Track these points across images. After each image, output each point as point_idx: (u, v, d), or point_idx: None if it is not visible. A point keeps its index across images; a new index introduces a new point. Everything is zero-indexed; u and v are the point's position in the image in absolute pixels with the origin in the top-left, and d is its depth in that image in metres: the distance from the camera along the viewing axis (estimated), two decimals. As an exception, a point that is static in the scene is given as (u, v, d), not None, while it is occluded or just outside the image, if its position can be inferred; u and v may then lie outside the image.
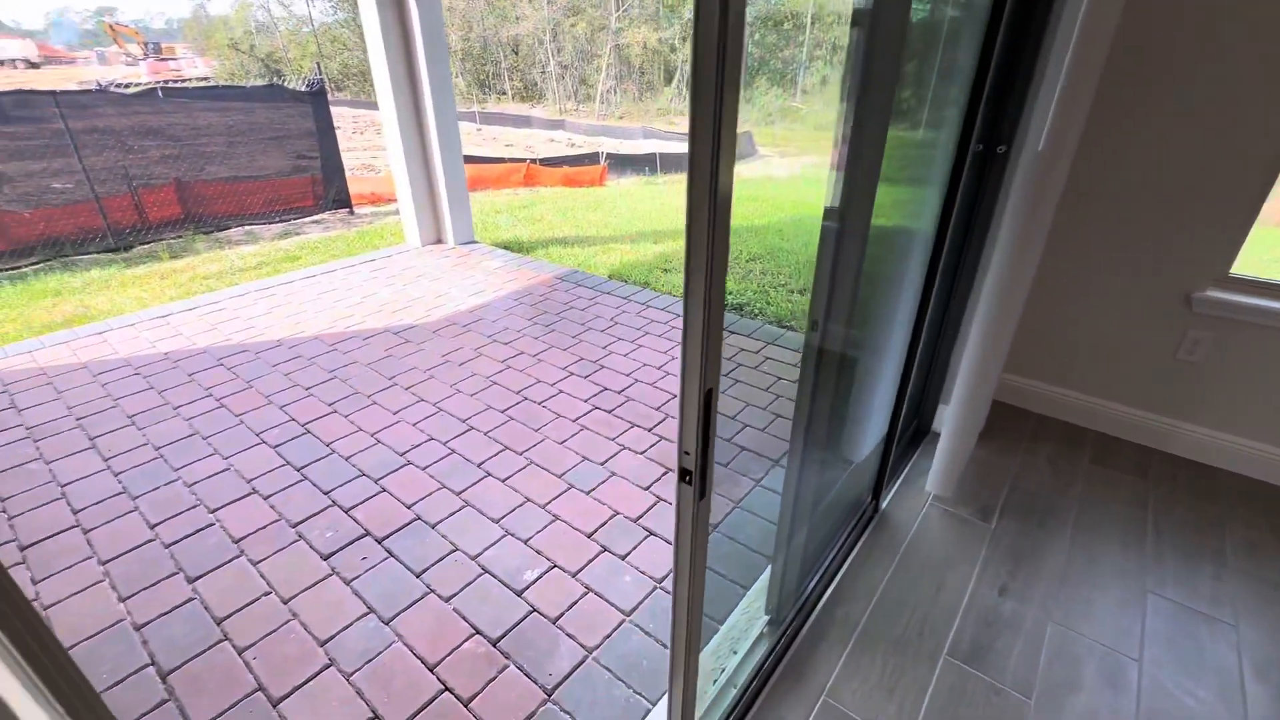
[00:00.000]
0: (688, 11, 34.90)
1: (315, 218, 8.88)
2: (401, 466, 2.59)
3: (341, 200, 9.05)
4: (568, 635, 1.83)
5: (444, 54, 4.91)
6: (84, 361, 3.45)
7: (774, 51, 40.53)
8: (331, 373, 3.34)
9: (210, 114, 8.52)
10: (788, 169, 19.16)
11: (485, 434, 2.81)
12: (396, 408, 3.01)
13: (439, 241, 5.58)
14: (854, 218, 1.35)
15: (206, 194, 8.10)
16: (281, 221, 8.54)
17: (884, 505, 2.28)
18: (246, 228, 8.27)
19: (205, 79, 41.79)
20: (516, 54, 44.11)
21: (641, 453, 2.67)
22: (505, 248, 5.63)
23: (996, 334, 2.00)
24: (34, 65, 56.34)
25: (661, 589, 2.00)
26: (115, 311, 4.71)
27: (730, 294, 4.55)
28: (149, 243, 7.57)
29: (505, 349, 3.60)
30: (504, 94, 43.97)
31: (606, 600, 1.95)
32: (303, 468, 2.58)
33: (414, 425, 2.87)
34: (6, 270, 6.64)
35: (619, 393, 3.14)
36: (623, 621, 1.88)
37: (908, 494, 2.34)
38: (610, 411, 2.97)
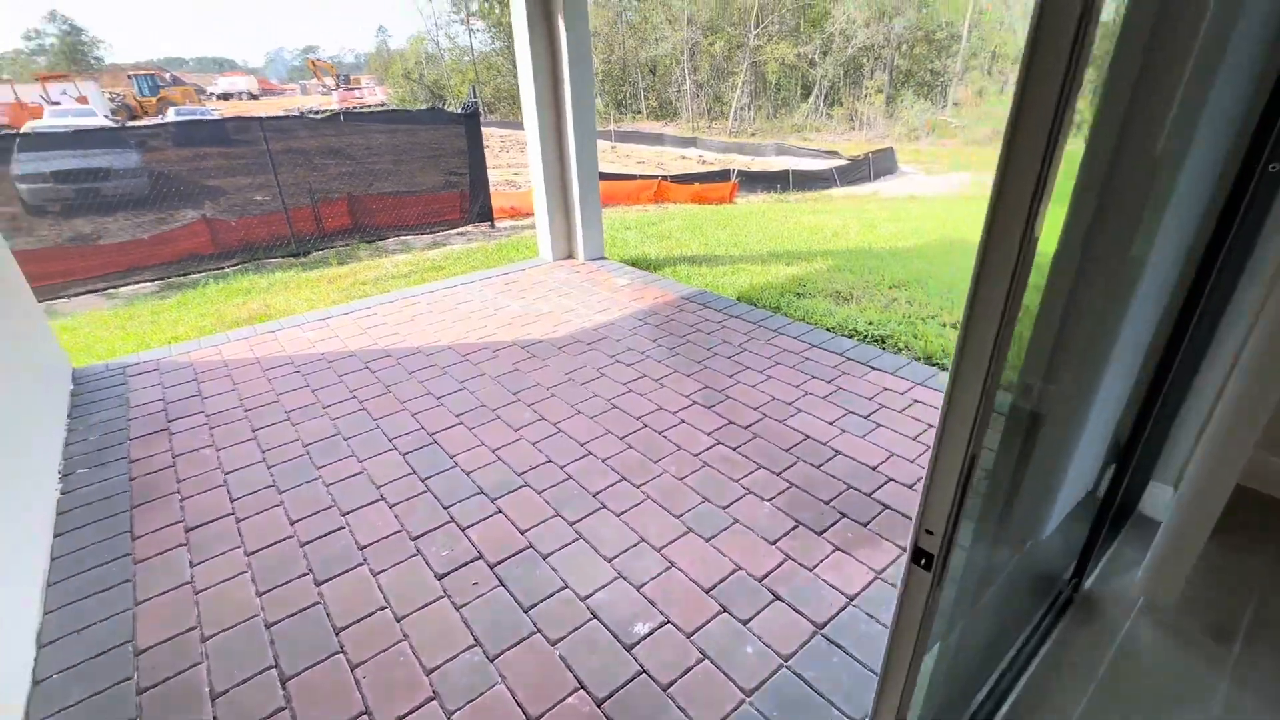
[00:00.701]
0: (832, 24, 33.90)
1: (461, 229, 9.52)
2: (519, 488, 2.54)
3: (484, 214, 9.63)
4: (679, 708, 1.63)
5: (589, 76, 5.00)
6: (258, 357, 3.83)
7: (922, 63, 38.17)
8: (461, 384, 3.42)
9: (381, 135, 9.45)
10: (934, 187, 17.71)
11: (603, 461, 2.70)
12: (518, 425, 3.00)
13: (570, 257, 5.67)
14: (1095, 262, 1.04)
15: (372, 207, 8.98)
16: (431, 233, 9.25)
17: (1074, 605, 1.85)
18: (402, 238, 9.04)
19: (382, 105, 47.34)
20: (654, 74, 45.32)
21: (769, 500, 2.42)
22: (633, 265, 5.60)
23: (1256, 402, 1.54)
24: (254, 96, 67.16)
25: (789, 668, 1.74)
26: (288, 311, 5.27)
27: (870, 324, 4.14)
28: (323, 249, 8.50)
29: (628, 370, 3.50)
30: (639, 113, 45.30)
31: (724, 672, 1.73)
32: (427, 479, 2.62)
33: (534, 445, 2.84)
34: (213, 270, 7.75)
35: (745, 428, 2.91)
36: (742, 702, 1.65)
37: (1109, 593, 1.88)
38: (735, 449, 2.75)
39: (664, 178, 14.52)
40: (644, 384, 3.35)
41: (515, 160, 22.74)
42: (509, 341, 3.95)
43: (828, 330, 4.03)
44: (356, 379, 3.51)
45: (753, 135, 36.21)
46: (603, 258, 5.66)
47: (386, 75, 59.01)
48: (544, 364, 3.62)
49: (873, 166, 18.93)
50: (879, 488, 2.47)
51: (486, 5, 45.95)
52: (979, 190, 17.77)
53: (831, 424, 2.92)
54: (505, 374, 3.52)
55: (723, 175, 15.95)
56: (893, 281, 5.10)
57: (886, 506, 2.37)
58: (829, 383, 3.30)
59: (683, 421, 2.98)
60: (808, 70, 38.16)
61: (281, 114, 12.13)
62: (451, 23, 50.61)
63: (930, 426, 2.87)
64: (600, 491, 2.50)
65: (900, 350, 3.79)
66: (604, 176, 13.47)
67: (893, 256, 6.05)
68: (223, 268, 7.82)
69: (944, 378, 3.34)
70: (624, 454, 2.75)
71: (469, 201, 9.55)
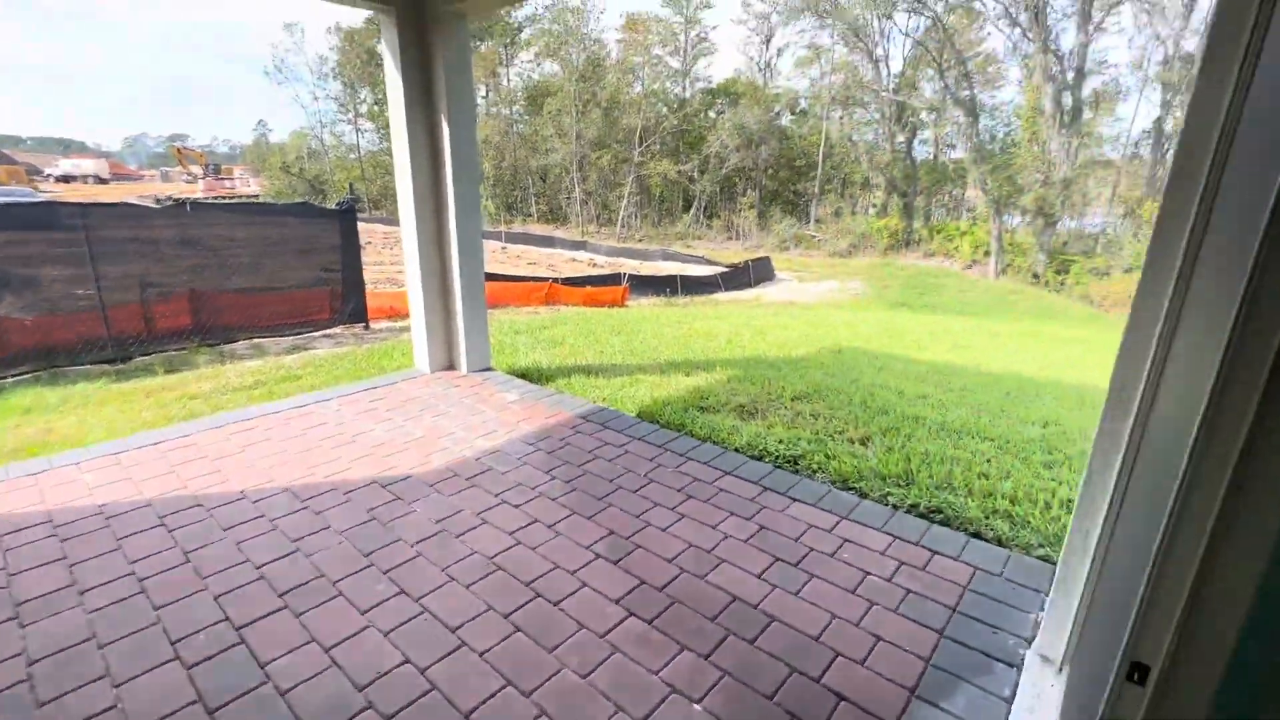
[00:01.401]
0: (708, 147, 37.50)
1: (329, 331, 8.58)
2: (360, 712, 1.81)
3: (358, 314, 8.80)
4: None
5: (475, 173, 4.69)
6: (1, 512, 2.79)
7: (786, 185, 43.10)
8: (295, 543, 2.64)
9: (246, 228, 8.51)
10: (808, 293, 19.24)
11: (481, 655, 2.04)
12: (367, 604, 2.28)
13: (451, 368, 5.07)
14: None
15: (221, 304, 7.86)
16: (293, 335, 8.22)
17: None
18: (255, 341, 7.93)
19: (254, 196, 44.95)
20: (544, 181, 47.28)
21: (699, 701, 1.88)
22: (524, 375, 5.10)
23: None
24: (103, 181, 61.38)
25: None
26: (76, 439, 4.13)
27: (781, 443, 3.89)
28: (150, 354, 7.20)
29: (516, 514, 2.91)
30: (530, 216, 46.54)
31: None
32: (218, 710, 1.81)
33: (386, 636, 2.12)
34: (-13, 381, 6.21)
35: (661, 589, 2.39)
36: None
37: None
38: (651, 622, 2.21)
39: (556, 280, 14.45)
40: (536, 532, 2.76)
41: (400, 256, 22.06)
42: (367, 479, 3.22)
43: (738, 452, 3.71)
44: (143, 543, 2.61)
45: (640, 241, 38.16)
46: (489, 368, 5.12)
47: (264, 167, 56.71)
48: (410, 509, 2.93)
49: (753, 273, 20.35)
50: (827, 668, 2.03)
51: (376, 108, 46.35)
52: (847, 297, 19.55)
53: (760, 577, 2.48)
54: (358, 526, 2.78)
55: (614, 279, 16.26)
56: (794, 393, 4.99)
57: (841, 698, 1.91)
58: (749, 520, 2.91)
59: (584, 585, 2.41)
60: (688, 185, 41.58)
61: (136, 200, 10.76)
62: (338, 121, 50.27)
63: (865, 573, 2.52)
64: (476, 709, 1.84)
65: (815, 473, 3.52)
66: (493, 277, 13.11)
67: (788, 366, 6.04)
68: (3, 377, 6.30)
69: (867, 508, 3.07)
70: (509, 641, 2.11)
71: (341, 300, 8.71)
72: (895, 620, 2.25)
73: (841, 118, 38.29)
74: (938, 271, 24.87)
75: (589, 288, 13.73)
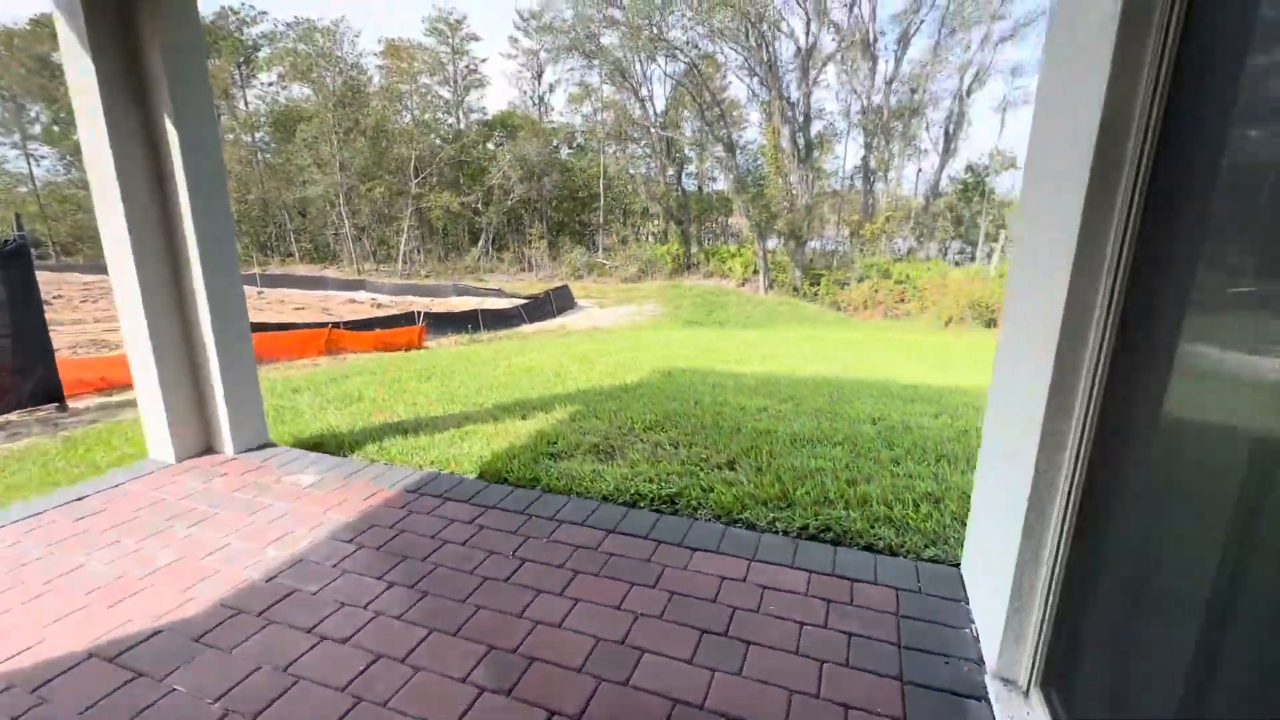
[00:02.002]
0: (490, 179, 36.79)
1: (1, 419, 6.14)
2: None
3: (47, 391, 6.47)
4: None
5: (219, 191, 3.58)
6: None
7: (571, 215, 44.17)
8: (-75, 820, 1.49)
9: None
10: (610, 318, 19.61)
11: None
12: None
13: (209, 450, 3.78)
14: None
15: None
16: (-72, 433, 5.69)
17: None
18: None
19: None
20: (305, 216, 41.87)
21: None
22: (318, 447, 4.02)
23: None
24: None
25: None
26: None
27: (651, 483, 3.51)
28: None
29: (347, 655, 2.06)
30: (290, 255, 40.81)
31: None
32: None
33: None
34: None
35: (577, 718, 1.80)
36: None
37: None
38: (582, 776, 1.61)
39: (337, 325, 12.54)
40: (383, 675, 1.96)
41: (110, 311, 17.29)
42: (82, 650, 2.06)
43: (609, 500, 3.24)
44: None
45: (426, 277, 35.79)
46: (268, 444, 3.94)
47: None
48: (166, 686, 1.91)
49: (555, 303, 20.14)
50: (810, 769, 1.64)
51: (58, 128, 36.89)
52: (646, 318, 20.35)
53: (692, 663, 2.03)
54: (64, 747, 1.70)
55: (407, 318, 14.67)
56: (645, 423, 4.67)
57: (842, 808, 1.53)
58: (655, 587, 2.44)
59: (474, 743, 1.72)
60: (473, 218, 40.26)
61: None
62: (-2, 145, 38.86)
63: (800, 625, 2.22)
64: None
65: (696, 510, 3.20)
66: (256, 327, 10.88)
67: (628, 394, 5.75)
68: None
69: (768, 543, 2.81)
70: None
71: (15, 375, 6.28)
72: (852, 677, 1.97)
73: (615, 152, 40.53)
74: (719, 290, 27.36)
75: (379, 330, 12.13)
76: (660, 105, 35.84)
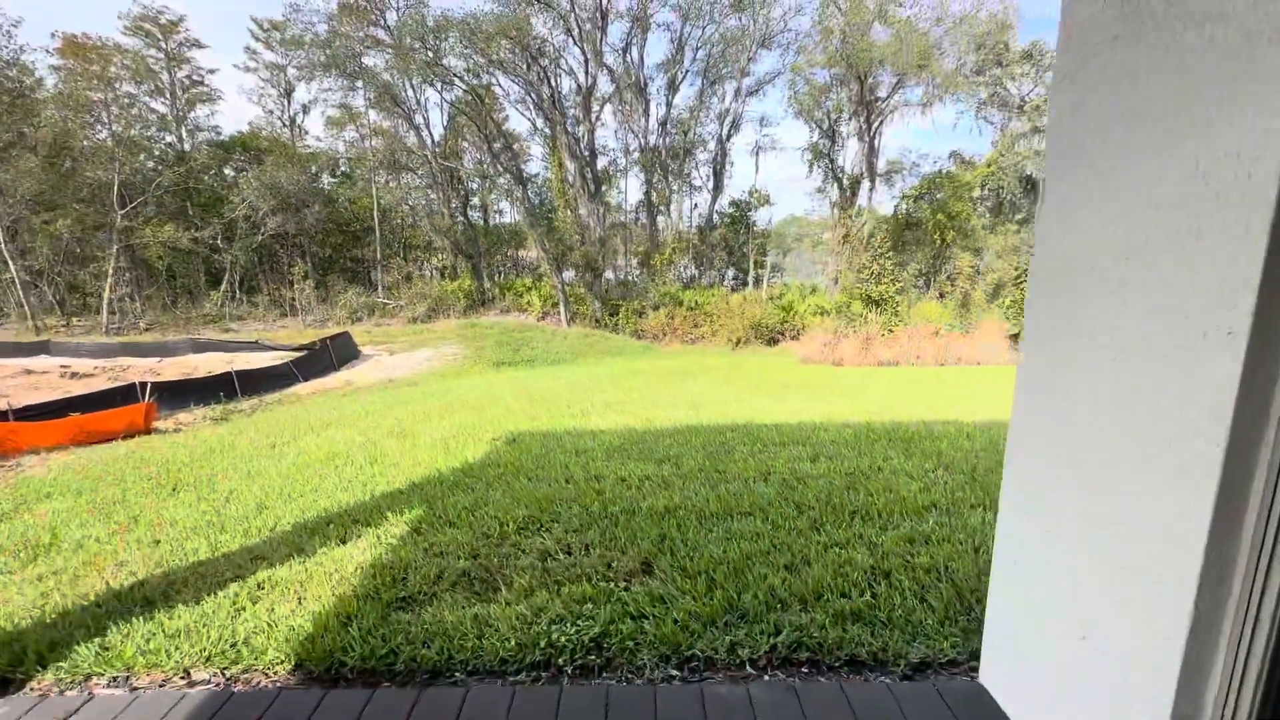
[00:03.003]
0: (233, 210, 31.04)
1: None
2: None
3: None
4: None
5: None
6: None
7: (341, 251, 39.33)
8: None
9: None
10: (408, 366, 17.26)
11: None
12: None
13: None
14: None
15: None
16: None
17: None
18: None
19: None
20: (-62, 258, 30.63)
21: None
22: (-30, 681, 2.31)
23: None
24: None
25: None
26: None
27: (563, 623, 2.62)
28: None
29: None
30: (-86, 313, 29.48)
31: None
32: None
33: None
34: None
35: None
36: None
37: None
38: None
39: (2, 414, 8.88)
40: None
41: None
42: None
43: (514, 669, 2.29)
44: None
45: (147, 331, 28.64)
46: None
47: None
48: None
49: (335, 354, 17.15)
50: None
51: None
52: (448, 363, 18.47)
53: None
54: None
55: (125, 392, 11.05)
56: (518, 523, 3.70)
57: None
58: None
59: None
60: (211, 255, 33.48)
61: None
62: None
63: None
64: None
65: (636, 653, 2.41)
66: None
67: (480, 482, 4.64)
68: None
69: (761, 698, 2.13)
70: None
71: None
72: None
73: (390, 181, 37.24)
74: (520, 326, 26.33)
75: (77, 416, 8.83)
76: (438, 133, 33.92)
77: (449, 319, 28.99)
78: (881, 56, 23.84)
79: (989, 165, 28.18)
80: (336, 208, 36.94)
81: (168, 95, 32.86)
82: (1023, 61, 26.93)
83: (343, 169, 40.59)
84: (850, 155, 30.13)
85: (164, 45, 32.08)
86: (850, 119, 28.43)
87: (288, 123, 37.64)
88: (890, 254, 13.76)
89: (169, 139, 34.00)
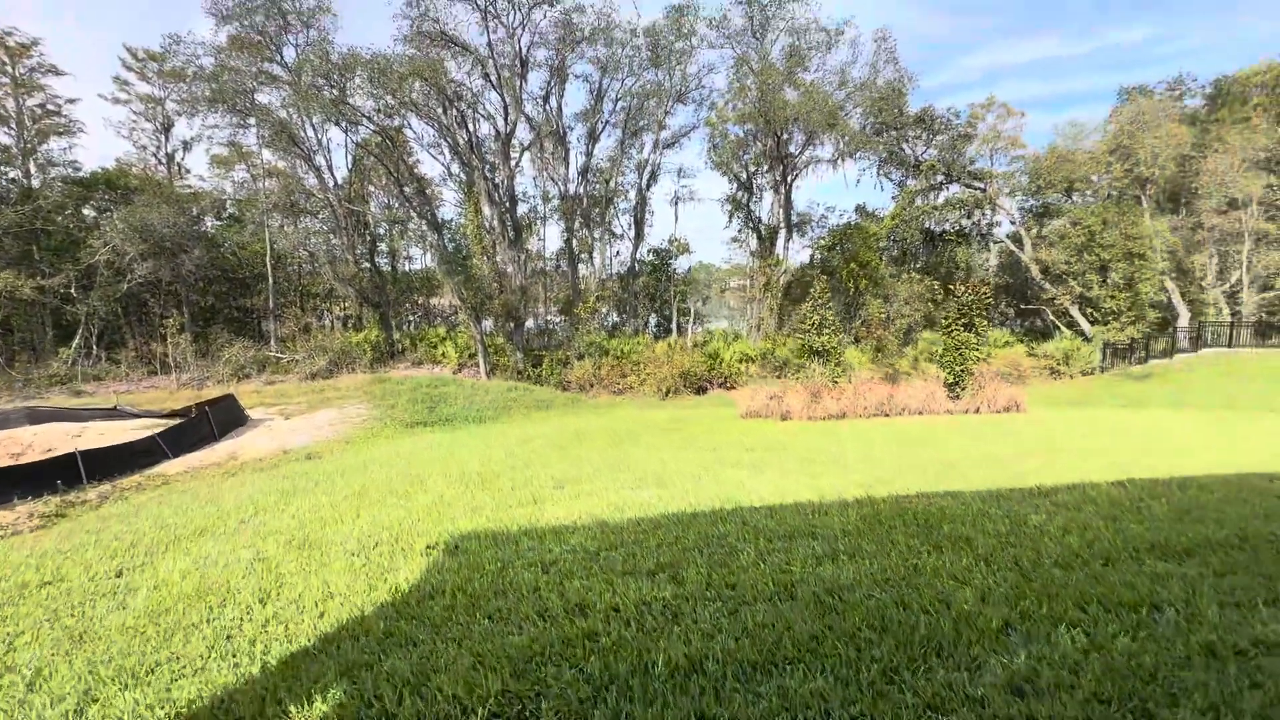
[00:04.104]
0: (94, 255, 27.22)
1: None
2: None
3: None
4: None
5: None
6: None
7: (226, 300, 35.52)
8: None
9: None
10: (308, 433, 14.95)
11: None
12: None
13: None
14: None
15: None
16: None
17: None
18: None
19: None
20: None
21: None
22: None
23: None
24: None
25: None
26: None
27: None
28: None
29: None
30: None
31: None
32: None
33: None
34: None
35: None
36: None
37: None
38: None
39: None
40: None
41: None
42: None
43: None
44: None
45: (-29, 395, 23.92)
46: None
47: None
48: None
49: (215, 421, 14.66)
50: None
51: None
52: (355, 426, 16.38)
53: None
54: None
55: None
56: (488, 709, 2.60)
57: None
58: None
59: None
60: (63, 306, 29.02)
61: None
62: None
63: None
64: None
65: None
66: None
67: (416, 626, 3.45)
68: None
69: None
70: None
71: None
72: None
73: (285, 225, 34.35)
74: (435, 380, 24.35)
75: None
76: (341, 175, 31.77)
77: (354, 373, 26.46)
78: (796, 114, 24.96)
79: (893, 218, 30.05)
80: (222, 252, 33.47)
81: (11, 125, 28.74)
82: (915, 125, 29.26)
83: (230, 211, 37.16)
84: (766, 206, 31.20)
85: (10, 70, 28.23)
86: (767, 172, 29.50)
87: (164, 160, 34.02)
88: (830, 304, 13.71)
89: (10, 174, 29.60)
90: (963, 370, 12.75)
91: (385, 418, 18.05)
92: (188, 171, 36.42)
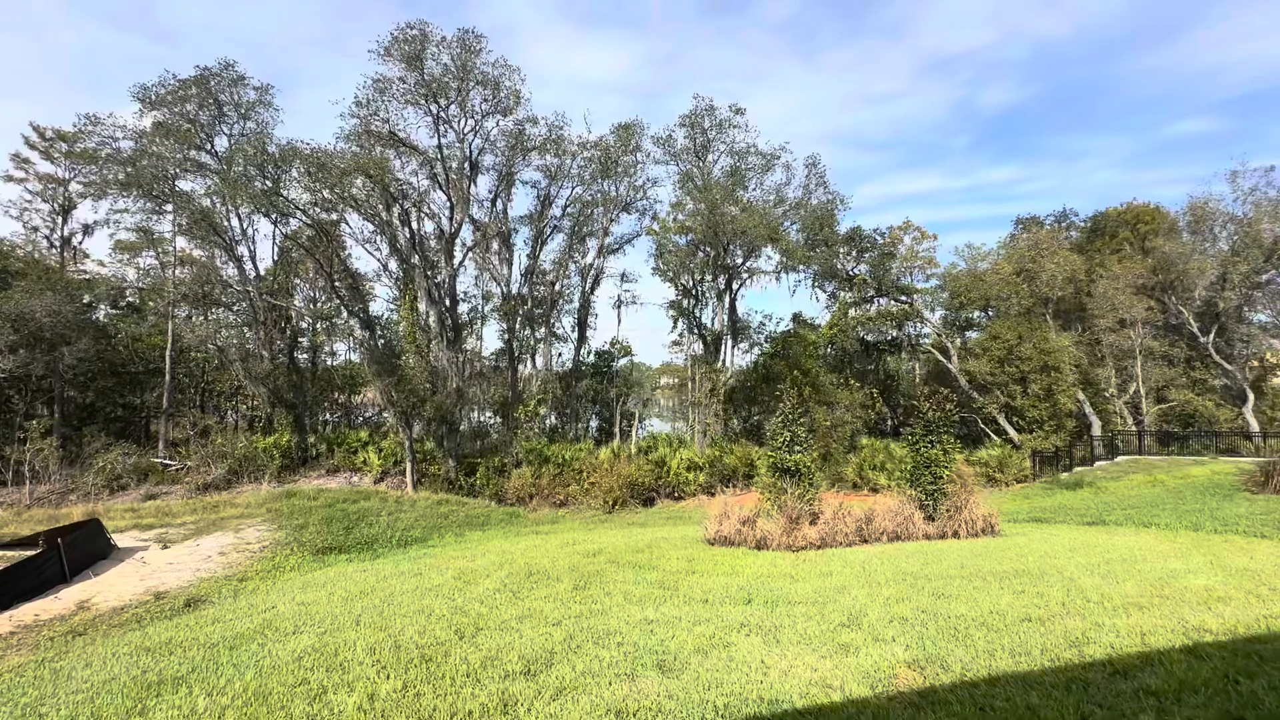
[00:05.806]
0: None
1: None
2: None
3: None
4: None
5: None
6: None
7: (109, 398, 31.44)
8: None
9: None
10: (193, 567, 12.13)
11: None
12: None
13: None
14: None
15: None
16: None
17: None
18: None
19: None
20: None
21: None
22: None
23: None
24: None
25: None
26: None
27: None
28: None
29: None
30: None
31: None
32: None
33: None
34: None
35: None
36: None
37: None
38: None
39: None
40: None
41: None
42: None
43: None
44: None
45: None
46: None
47: None
48: None
49: (68, 557, 11.71)
50: None
51: None
52: (252, 556, 13.73)
53: None
54: None
55: None
56: None
57: None
58: None
59: None
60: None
61: None
62: None
63: None
64: None
65: None
66: None
67: None
68: None
69: None
70: None
71: None
72: None
73: (192, 317, 31.48)
74: (352, 493, 21.65)
75: None
76: (265, 266, 29.84)
77: (258, 484, 23.26)
78: (742, 228, 25.97)
79: (830, 327, 31.20)
80: (113, 344, 29.97)
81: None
82: (846, 243, 31.30)
83: (129, 299, 33.93)
84: (709, 312, 31.71)
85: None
86: (712, 280, 30.22)
87: (58, 243, 30.98)
88: (803, 419, 13.12)
89: None
90: (935, 490, 12.27)
91: (292, 542, 15.42)
92: (85, 256, 33.36)
